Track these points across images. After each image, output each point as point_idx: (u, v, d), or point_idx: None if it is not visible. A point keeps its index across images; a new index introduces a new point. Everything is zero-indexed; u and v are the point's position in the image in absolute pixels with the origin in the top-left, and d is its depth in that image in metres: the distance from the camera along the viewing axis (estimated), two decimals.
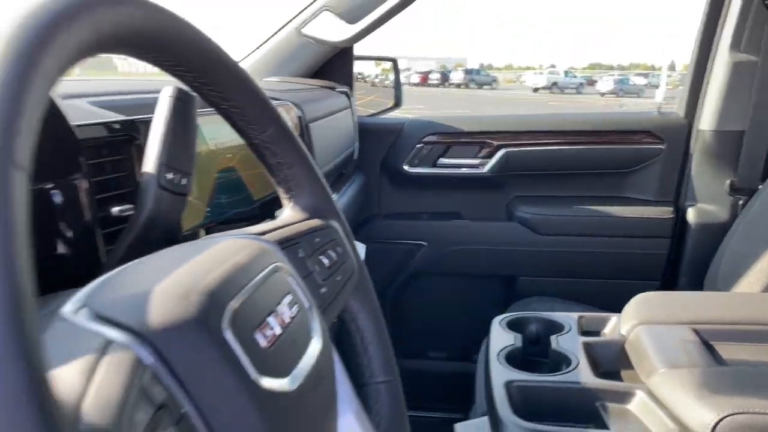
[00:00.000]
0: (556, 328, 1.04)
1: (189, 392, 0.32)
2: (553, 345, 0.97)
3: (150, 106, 0.69)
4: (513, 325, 1.07)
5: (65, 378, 0.27)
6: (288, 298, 0.44)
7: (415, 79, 39.86)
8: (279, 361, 0.39)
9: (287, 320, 0.42)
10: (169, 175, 0.58)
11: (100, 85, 0.85)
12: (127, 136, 0.67)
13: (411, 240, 1.81)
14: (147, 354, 0.31)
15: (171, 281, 0.37)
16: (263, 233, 0.51)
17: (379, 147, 1.81)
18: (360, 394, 0.57)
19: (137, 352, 0.31)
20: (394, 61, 2.19)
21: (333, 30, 1.61)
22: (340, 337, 0.64)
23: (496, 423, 0.80)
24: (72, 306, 0.35)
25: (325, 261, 0.55)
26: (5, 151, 0.23)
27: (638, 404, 0.81)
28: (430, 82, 39.44)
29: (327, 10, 1.61)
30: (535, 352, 0.99)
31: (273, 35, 1.66)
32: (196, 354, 0.33)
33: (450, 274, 1.83)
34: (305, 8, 1.63)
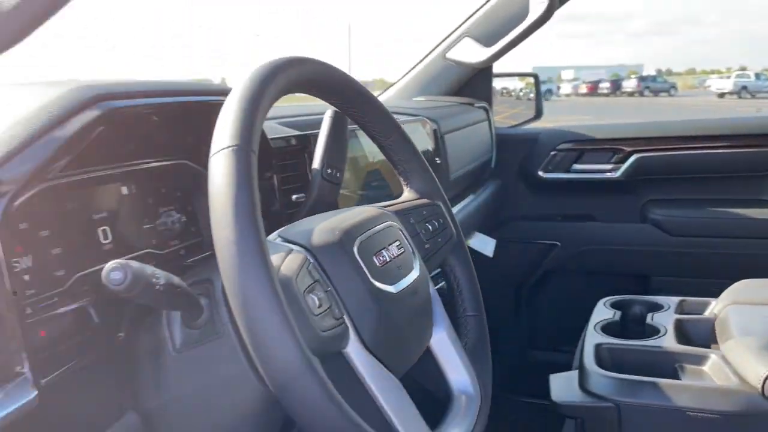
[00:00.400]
0: (656, 308, 1.17)
1: (331, 280, 0.58)
2: (648, 320, 1.11)
3: (314, 124, 0.98)
4: (617, 306, 1.21)
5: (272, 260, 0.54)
6: (397, 243, 0.68)
7: (583, 89, 38.49)
8: (387, 275, 0.63)
9: (395, 254, 0.66)
10: (329, 170, 0.85)
11: (282, 110, 1.16)
12: (301, 146, 0.96)
13: (545, 240, 1.97)
14: (310, 257, 0.58)
15: (325, 224, 0.63)
16: (386, 206, 0.76)
17: (516, 155, 1.99)
18: (454, 324, 0.79)
19: (305, 255, 0.57)
20: (535, 76, 2.37)
21: (472, 53, 1.84)
22: (443, 287, 0.87)
23: (582, 373, 0.97)
24: (272, 237, 0.62)
25: (430, 227, 0.78)
26: (249, 143, 0.50)
27: (711, 365, 0.94)
28: (599, 91, 37.84)
29: (467, 36, 1.85)
30: (635, 330, 1.13)
31: (420, 61, 1.94)
32: (336, 261, 0.59)
33: (582, 273, 1.96)
34: (448, 36, 1.88)
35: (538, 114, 2.27)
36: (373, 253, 0.63)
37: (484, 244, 1.58)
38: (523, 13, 1.72)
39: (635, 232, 1.88)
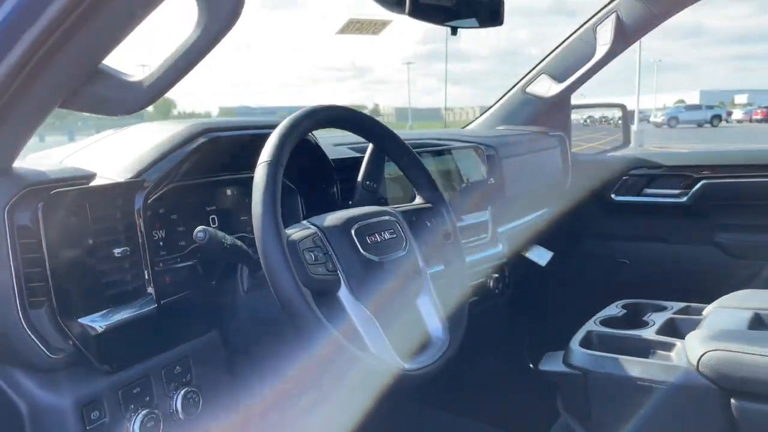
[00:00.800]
0: (660, 309, 1.34)
1: (333, 248, 0.90)
2: (645, 317, 1.29)
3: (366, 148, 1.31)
4: (626, 306, 1.40)
5: (290, 231, 0.88)
6: (390, 230, 0.99)
7: (758, 114, 35.25)
8: (375, 250, 0.94)
9: (386, 238, 0.97)
10: (368, 182, 1.18)
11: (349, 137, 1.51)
12: (355, 164, 1.30)
13: (616, 258, 2.13)
14: (320, 232, 0.91)
15: (339, 213, 0.96)
16: (397, 207, 1.07)
17: (591, 178, 2.18)
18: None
19: (315, 230, 0.90)
20: (622, 107, 2.53)
21: (547, 88, 2.08)
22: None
23: (566, 350, 1.20)
24: (304, 221, 0.96)
25: (428, 223, 1.08)
26: (278, 160, 0.85)
27: (676, 351, 1.12)
28: None
29: (544, 73, 2.10)
30: (630, 325, 1.30)
31: (504, 95, 2.21)
32: (337, 236, 0.92)
33: (649, 291, 2.09)
34: (528, 73, 2.14)
35: (626, 142, 2.44)
36: (366, 234, 0.95)
37: (539, 255, 1.81)
38: (590, 54, 1.95)
39: (701, 254, 1.99)
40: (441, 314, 1.03)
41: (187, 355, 0.96)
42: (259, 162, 0.87)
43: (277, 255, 0.80)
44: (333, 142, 1.41)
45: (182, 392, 0.92)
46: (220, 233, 0.89)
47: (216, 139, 1.01)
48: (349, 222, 0.95)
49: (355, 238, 0.93)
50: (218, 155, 1.06)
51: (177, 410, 0.91)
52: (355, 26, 1.47)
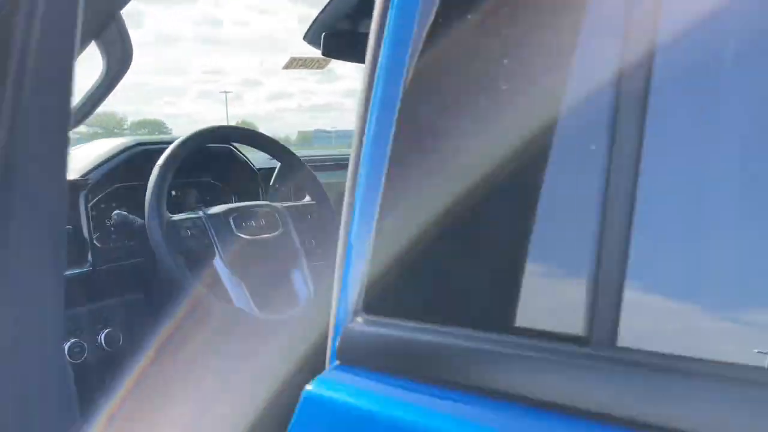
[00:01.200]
0: None
1: (212, 227, 1.23)
2: None
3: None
4: None
5: (175, 215, 1.22)
6: (269, 217, 1.31)
7: None
8: (248, 231, 1.27)
9: (262, 224, 1.29)
10: (276, 185, 1.51)
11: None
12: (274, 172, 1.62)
13: None
14: (204, 217, 1.24)
15: (224, 206, 1.29)
16: (284, 203, 1.39)
17: None
18: (317, 272, 1.37)
19: (201, 215, 1.24)
20: None
21: None
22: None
23: None
24: (200, 210, 1.30)
25: (309, 216, 1.39)
26: (170, 164, 1.20)
27: None
28: None
29: None
30: None
31: None
32: (218, 221, 1.25)
33: None
34: None
35: None
36: (243, 220, 1.27)
37: None
38: None
39: None
40: (309, 285, 1.33)
41: (114, 306, 1.30)
42: (157, 163, 1.22)
43: (156, 230, 1.14)
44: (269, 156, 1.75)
45: (106, 331, 1.27)
46: (131, 217, 1.25)
47: (145, 151, 1.37)
48: (230, 211, 1.28)
49: (231, 222, 1.26)
50: (152, 163, 1.41)
51: (101, 343, 1.25)
52: (299, 63, 1.78)
